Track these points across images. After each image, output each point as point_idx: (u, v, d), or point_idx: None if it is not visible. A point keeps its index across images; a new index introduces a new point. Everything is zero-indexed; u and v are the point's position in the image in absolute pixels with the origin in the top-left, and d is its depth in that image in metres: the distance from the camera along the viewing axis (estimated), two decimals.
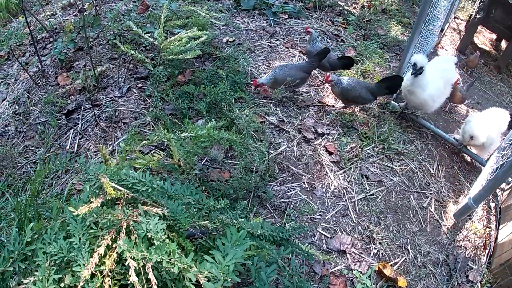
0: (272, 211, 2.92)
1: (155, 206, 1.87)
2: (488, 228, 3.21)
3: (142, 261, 1.51)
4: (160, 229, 1.51)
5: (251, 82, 3.83)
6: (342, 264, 2.69)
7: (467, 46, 5.60)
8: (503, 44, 5.97)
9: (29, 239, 1.90)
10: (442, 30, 5.34)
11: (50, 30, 4.64)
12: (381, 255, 2.80)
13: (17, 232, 2.06)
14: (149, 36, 3.47)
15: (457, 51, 5.57)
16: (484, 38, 6.21)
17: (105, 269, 1.63)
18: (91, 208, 1.56)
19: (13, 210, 2.76)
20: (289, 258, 2.33)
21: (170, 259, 1.37)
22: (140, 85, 3.82)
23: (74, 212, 1.50)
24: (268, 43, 4.66)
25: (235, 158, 3.18)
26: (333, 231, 2.88)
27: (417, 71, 3.43)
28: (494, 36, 6.16)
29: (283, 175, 3.17)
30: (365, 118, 3.79)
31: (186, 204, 1.86)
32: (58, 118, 3.58)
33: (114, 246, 1.70)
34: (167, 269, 1.36)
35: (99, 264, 1.63)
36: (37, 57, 4.09)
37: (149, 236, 1.52)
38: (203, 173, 3.00)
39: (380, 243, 2.85)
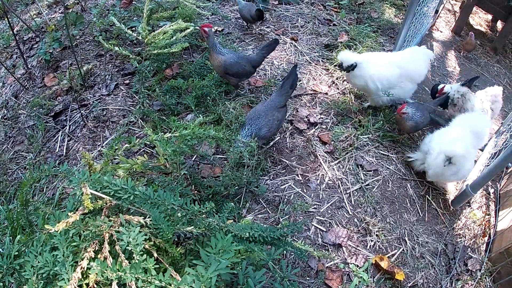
0: (265, 206, 2.87)
1: (140, 212, 1.82)
2: (487, 215, 3.15)
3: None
4: (141, 242, 1.45)
5: None
6: (338, 258, 2.65)
7: (463, 28, 5.46)
8: (499, 24, 5.83)
9: (17, 253, 1.87)
10: (436, 11, 5.20)
11: (36, 30, 4.54)
12: (378, 248, 2.75)
13: (10, 242, 2.03)
14: (133, 31, 3.38)
15: (452, 32, 5.43)
16: (479, 19, 6.07)
17: (90, 282, 1.59)
18: (69, 223, 1.51)
19: (6, 219, 2.73)
20: (281, 259, 2.28)
21: (147, 278, 1.32)
22: (127, 81, 3.74)
23: (51, 229, 1.45)
24: (258, 31, 4.55)
25: (226, 153, 3.11)
26: (328, 224, 2.83)
27: (345, 69, 3.40)
28: (489, 17, 6.02)
29: (276, 168, 3.11)
30: (360, 105, 3.70)
31: (170, 209, 1.80)
32: (46, 121, 3.52)
33: (99, 256, 1.66)
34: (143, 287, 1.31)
35: (83, 277, 1.59)
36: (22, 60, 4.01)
37: (129, 249, 1.46)
38: (194, 170, 2.94)
39: (376, 235, 2.80)
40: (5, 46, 4.67)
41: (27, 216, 2.36)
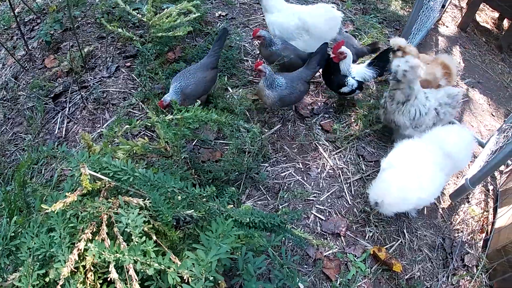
0: (265, 193, 2.86)
1: (139, 194, 1.80)
2: (486, 211, 3.14)
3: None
4: (140, 224, 1.43)
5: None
6: (336, 248, 2.64)
7: (469, 24, 5.40)
8: (506, 23, 5.78)
9: (13, 234, 1.85)
10: (443, 6, 5.13)
11: (37, 12, 4.48)
12: (376, 238, 2.74)
13: (7, 223, 2.00)
14: (137, 13, 3.33)
15: (458, 28, 5.37)
16: (486, 16, 6.00)
17: (87, 264, 1.57)
18: (66, 203, 1.48)
19: (3, 200, 2.71)
20: (281, 246, 2.27)
21: (145, 260, 1.30)
22: (128, 64, 3.69)
23: (48, 209, 1.42)
24: (263, 17, 4.48)
25: (227, 138, 3.10)
26: (327, 213, 2.82)
27: None
28: (496, 15, 5.96)
29: (277, 155, 3.09)
30: (363, 96, 3.66)
31: (170, 192, 1.78)
32: (46, 102, 3.48)
33: (96, 238, 1.64)
34: (142, 270, 1.29)
35: (80, 259, 1.57)
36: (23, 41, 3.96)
37: (128, 231, 1.44)
38: (194, 155, 2.92)
39: (375, 225, 2.79)
40: (5, 27, 4.61)
41: (25, 198, 2.34)
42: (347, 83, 3.17)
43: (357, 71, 3.23)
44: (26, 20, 4.56)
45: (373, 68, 3.28)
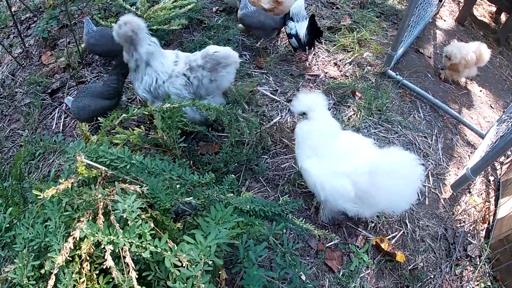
0: (265, 185, 2.82)
1: (136, 183, 1.76)
2: (487, 202, 3.10)
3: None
4: (136, 208, 1.39)
5: None
6: (338, 239, 2.60)
7: (466, 18, 5.38)
8: (503, 17, 5.76)
9: (8, 225, 1.81)
10: (440, 0, 5.11)
11: (34, 10, 4.46)
12: (378, 229, 2.70)
13: (3, 219, 1.97)
14: (132, 7, 3.30)
15: (456, 22, 5.35)
16: (483, 10, 5.98)
17: (82, 253, 1.53)
18: (60, 190, 1.44)
19: (0, 196, 2.67)
20: (283, 233, 2.23)
21: (141, 242, 1.26)
22: None
23: (40, 195, 1.39)
24: None
25: (226, 130, 3.06)
26: None
27: None
28: (493, 9, 5.95)
29: (276, 147, 3.06)
30: (362, 87, 3.63)
31: (168, 179, 1.74)
32: (43, 98, 3.45)
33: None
34: (137, 253, 1.25)
35: (75, 248, 1.53)
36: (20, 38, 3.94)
37: (125, 216, 1.41)
38: (193, 148, 2.89)
39: (377, 216, 2.75)
40: (2, 26, 4.60)
41: (22, 192, 2.30)
42: (287, 24, 3.56)
43: (298, 27, 3.50)
44: (22, 19, 4.56)
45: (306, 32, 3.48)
